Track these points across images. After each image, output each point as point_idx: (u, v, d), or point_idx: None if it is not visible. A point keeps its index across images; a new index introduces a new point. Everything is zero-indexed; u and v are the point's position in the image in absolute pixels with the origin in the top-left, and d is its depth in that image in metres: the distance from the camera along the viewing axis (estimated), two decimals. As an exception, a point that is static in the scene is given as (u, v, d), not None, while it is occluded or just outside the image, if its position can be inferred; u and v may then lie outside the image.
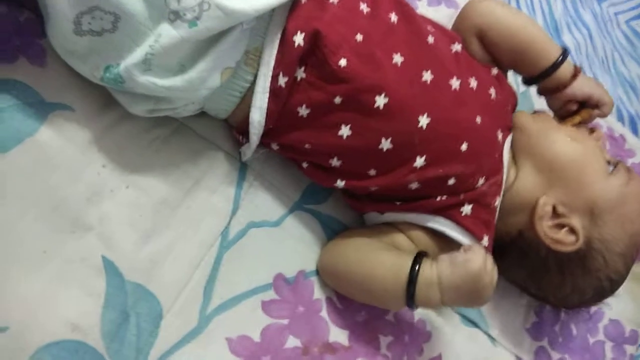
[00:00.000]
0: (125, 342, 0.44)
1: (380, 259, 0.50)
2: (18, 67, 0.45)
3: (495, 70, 0.55)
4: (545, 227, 0.53)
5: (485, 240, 0.52)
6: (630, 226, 0.54)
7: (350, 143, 0.47)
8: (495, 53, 0.56)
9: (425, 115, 0.47)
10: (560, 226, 0.54)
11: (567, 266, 0.55)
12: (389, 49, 0.47)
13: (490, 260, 0.47)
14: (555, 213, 0.54)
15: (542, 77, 0.56)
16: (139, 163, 0.48)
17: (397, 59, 0.47)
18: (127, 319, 0.45)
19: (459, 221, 0.51)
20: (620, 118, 0.86)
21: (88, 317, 0.43)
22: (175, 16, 0.40)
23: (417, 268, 0.47)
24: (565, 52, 0.56)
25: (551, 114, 0.60)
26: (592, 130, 0.58)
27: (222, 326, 0.48)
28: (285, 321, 0.51)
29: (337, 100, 0.46)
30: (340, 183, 0.50)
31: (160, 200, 0.48)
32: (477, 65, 0.54)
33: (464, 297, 0.47)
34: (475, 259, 0.46)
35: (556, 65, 0.55)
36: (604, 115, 0.59)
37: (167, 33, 0.40)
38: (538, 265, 0.56)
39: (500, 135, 0.53)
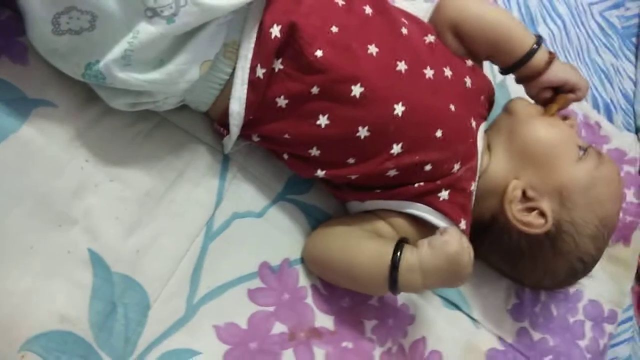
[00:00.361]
0: (113, 332, 0.45)
1: (362, 246, 0.52)
2: (0, 65, 0.45)
3: (470, 62, 0.57)
4: (514, 211, 0.55)
5: (463, 224, 0.53)
6: (600, 209, 0.56)
7: (328, 132, 0.49)
8: (470, 45, 0.57)
9: (400, 103, 0.49)
10: (530, 209, 0.56)
11: (539, 249, 0.57)
12: (364, 40, 0.48)
13: (466, 239, 0.49)
14: (525, 197, 0.56)
15: (518, 66, 0.58)
16: (122, 157, 0.49)
17: (372, 49, 0.48)
18: (115, 309, 0.46)
19: (437, 206, 0.53)
20: (596, 106, 0.89)
21: (76, 308, 0.44)
22: (152, 13, 0.41)
23: (399, 254, 0.48)
24: (539, 40, 0.57)
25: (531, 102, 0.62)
26: (565, 117, 0.60)
27: (209, 314, 0.49)
28: (272, 308, 0.52)
29: (315, 90, 0.47)
30: (320, 173, 0.51)
31: (145, 193, 0.49)
32: (452, 56, 0.56)
33: (445, 278, 0.49)
34: (452, 240, 0.47)
35: (531, 53, 0.57)
36: (578, 100, 0.61)
37: (145, 30, 0.41)
38: (511, 248, 0.57)
39: (473, 123, 0.55)
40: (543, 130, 0.57)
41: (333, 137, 0.49)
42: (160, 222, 0.49)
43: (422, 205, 0.53)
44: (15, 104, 0.45)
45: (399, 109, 0.49)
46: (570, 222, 0.56)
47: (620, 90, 0.94)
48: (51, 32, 0.41)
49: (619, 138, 0.86)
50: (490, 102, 0.61)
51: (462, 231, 0.53)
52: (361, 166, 0.51)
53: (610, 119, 0.89)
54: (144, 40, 0.41)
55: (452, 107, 0.52)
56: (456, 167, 0.53)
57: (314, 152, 0.50)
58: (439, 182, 0.52)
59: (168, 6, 0.41)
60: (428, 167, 0.51)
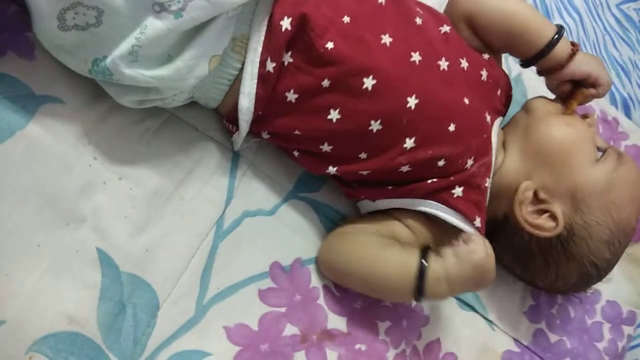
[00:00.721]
0: (122, 333, 0.44)
1: (384, 256, 0.50)
2: (7, 61, 0.45)
3: (486, 55, 0.55)
4: (524, 212, 0.54)
5: (478, 222, 0.52)
6: (616, 213, 0.54)
7: (340, 127, 0.47)
8: (486, 38, 0.55)
9: (414, 96, 0.47)
10: (542, 212, 0.54)
11: (550, 252, 0.55)
12: (377, 29, 0.47)
13: (489, 246, 0.48)
14: (536, 198, 0.54)
15: (538, 58, 0.56)
16: (130, 155, 0.48)
17: (386, 39, 0.47)
18: (124, 309, 0.45)
19: (451, 203, 0.51)
20: (613, 101, 0.86)
21: (84, 309, 0.43)
22: (160, 8, 0.40)
23: (425, 264, 0.48)
24: (560, 30, 0.55)
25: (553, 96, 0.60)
26: (585, 116, 0.58)
27: (219, 315, 0.48)
28: (283, 309, 0.51)
29: (325, 83, 0.46)
30: (332, 169, 0.50)
31: (154, 192, 0.48)
32: (468, 47, 0.54)
33: (470, 285, 0.49)
34: (477, 248, 0.47)
35: (552, 44, 0.54)
36: (599, 96, 0.59)
37: (153, 25, 0.40)
38: (522, 249, 0.56)
39: (488, 117, 0.53)
40: (559, 129, 0.55)
41: (344, 132, 0.48)
42: (170, 221, 0.48)
43: (435, 203, 0.52)
44: (22, 100, 0.44)
45: (412, 101, 0.47)
46: (583, 226, 0.54)
47: (639, 85, 0.92)
48: (57, 27, 0.40)
49: (638, 134, 0.84)
50: (508, 97, 0.59)
51: (477, 229, 0.52)
52: (373, 161, 0.49)
53: (628, 114, 0.87)
54: (152, 35, 0.40)
55: (467, 101, 0.50)
56: (469, 162, 0.51)
57: (325, 147, 0.49)
58: (452, 178, 0.51)
59: (176, 0, 0.40)
60: (441, 163, 0.50)
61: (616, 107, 0.86)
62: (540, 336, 0.64)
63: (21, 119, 0.44)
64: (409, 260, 0.49)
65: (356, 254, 0.52)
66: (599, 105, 0.83)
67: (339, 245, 0.53)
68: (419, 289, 0.48)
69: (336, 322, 0.53)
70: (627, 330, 0.70)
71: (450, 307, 0.60)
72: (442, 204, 0.51)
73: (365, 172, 0.50)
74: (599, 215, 0.54)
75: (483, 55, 0.55)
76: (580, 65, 0.56)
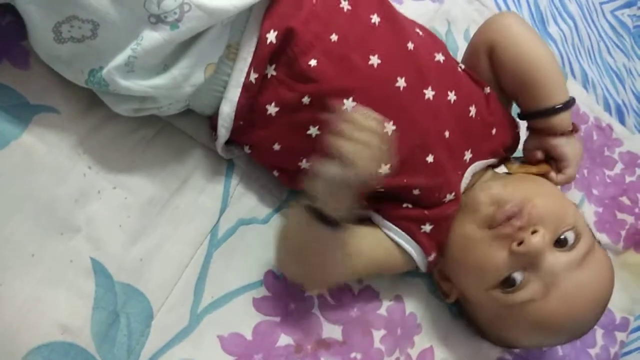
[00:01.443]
0: (116, 343, 0.44)
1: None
2: (1, 70, 0.45)
3: (487, 89, 0.54)
4: (435, 271, 0.56)
5: (432, 257, 0.53)
6: (507, 331, 0.54)
7: (318, 143, 0.46)
8: (499, 74, 0.54)
9: (391, 122, 0.47)
10: (449, 278, 0.56)
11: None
12: (366, 50, 0.46)
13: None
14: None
15: (540, 116, 0.53)
16: (125, 164, 0.48)
17: (374, 60, 0.46)
18: (118, 319, 0.45)
19: (416, 237, 0.51)
20: (607, 108, 0.87)
21: (78, 319, 0.43)
22: (156, 19, 0.40)
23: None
24: (570, 101, 0.53)
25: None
26: (534, 231, 0.49)
27: (213, 324, 0.48)
28: (277, 318, 0.51)
29: (306, 100, 0.46)
30: None
31: (148, 201, 0.48)
32: (465, 79, 0.53)
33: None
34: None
35: (556, 109, 0.52)
36: (556, 182, 0.55)
37: (149, 36, 0.40)
38: None
39: (467, 156, 0.52)
40: (458, 245, 0.52)
41: (323, 149, 0.47)
42: (164, 230, 0.49)
43: (401, 231, 0.51)
44: (16, 109, 0.44)
45: (388, 127, 0.47)
46: (474, 317, 0.56)
47: (633, 92, 0.93)
48: (53, 40, 0.40)
49: (632, 140, 0.85)
50: (514, 137, 0.57)
51: (429, 262, 0.53)
52: None
53: (622, 121, 0.87)
54: (148, 46, 0.40)
55: (447, 134, 0.50)
56: (449, 197, 0.51)
57: (304, 164, 0.49)
58: (426, 212, 0.51)
59: (172, 12, 0.40)
60: (416, 192, 0.49)
61: (610, 113, 0.87)
62: (533, 343, 0.64)
63: (16, 128, 0.44)
64: None
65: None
66: (593, 113, 0.84)
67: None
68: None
69: (331, 330, 0.53)
70: (620, 336, 0.70)
71: (443, 316, 0.60)
72: (408, 234, 0.51)
73: None
74: (490, 321, 0.55)
75: (485, 89, 0.53)
76: (567, 146, 0.54)
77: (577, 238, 0.50)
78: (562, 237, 0.49)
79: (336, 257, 0.48)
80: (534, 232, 0.48)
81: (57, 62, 0.43)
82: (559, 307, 0.49)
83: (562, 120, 0.53)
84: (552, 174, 0.54)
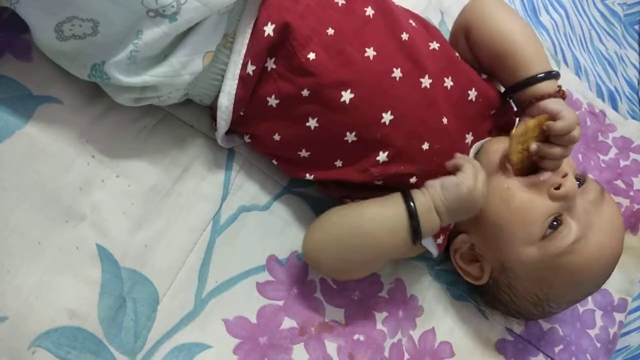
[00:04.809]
0: (123, 327, 0.45)
1: (369, 210, 0.49)
2: (4, 62, 0.45)
3: (484, 76, 0.54)
4: (457, 258, 0.56)
5: (440, 239, 0.53)
6: (548, 288, 0.54)
7: (317, 135, 0.48)
8: (477, 55, 0.54)
9: (389, 112, 0.47)
10: (475, 260, 0.56)
11: (488, 288, 0.58)
12: (361, 43, 0.47)
13: (481, 171, 0.48)
14: (472, 249, 0.55)
15: (518, 89, 0.52)
16: (128, 152, 0.49)
17: (370, 52, 0.47)
18: (124, 304, 0.46)
19: None
20: (600, 94, 0.88)
21: (85, 304, 0.44)
22: (155, 13, 0.41)
23: (412, 205, 0.47)
24: (554, 72, 0.51)
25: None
26: (564, 175, 0.51)
27: (218, 308, 0.49)
28: (281, 302, 0.52)
29: (305, 93, 0.47)
30: (309, 176, 0.51)
31: (151, 188, 0.49)
32: (460, 65, 0.53)
33: (459, 215, 0.49)
34: (465, 180, 0.47)
35: (534, 79, 0.51)
36: (557, 128, 0.50)
37: (149, 30, 0.41)
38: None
39: (469, 139, 0.53)
40: (493, 206, 0.51)
41: (322, 140, 0.49)
42: (168, 217, 0.49)
43: None
44: (20, 100, 0.45)
45: (386, 117, 0.47)
46: (508, 286, 0.55)
47: (625, 78, 0.94)
48: (55, 38, 0.41)
49: (625, 126, 0.86)
50: (508, 114, 0.56)
51: (438, 246, 0.53)
52: (347, 169, 0.50)
53: (615, 107, 0.88)
54: (149, 40, 0.41)
55: (445, 120, 0.50)
56: None
57: (303, 153, 0.50)
58: None
59: (169, 5, 0.41)
60: (413, 180, 0.50)
61: (603, 99, 0.88)
62: (533, 324, 0.65)
63: (20, 119, 0.44)
64: (395, 204, 0.48)
65: (342, 219, 0.50)
66: (586, 99, 0.85)
67: (323, 222, 0.51)
68: (415, 229, 0.47)
69: (334, 314, 0.54)
70: (619, 317, 0.71)
71: (444, 298, 0.61)
72: None
73: (339, 179, 0.51)
74: (527, 284, 0.54)
75: (482, 75, 0.54)
76: (557, 103, 0.51)
77: (583, 180, 0.53)
78: (578, 178, 0.52)
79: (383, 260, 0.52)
80: (564, 175, 0.51)
81: (61, 57, 0.44)
82: (599, 242, 0.51)
83: (547, 87, 0.51)
84: (551, 122, 0.50)
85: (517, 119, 0.56)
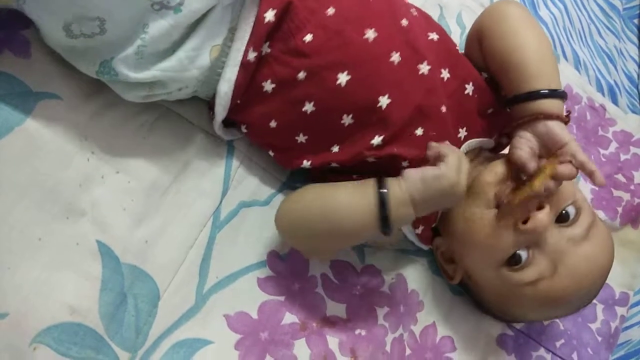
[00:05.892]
0: (124, 323, 0.45)
1: (341, 191, 0.47)
2: (3, 59, 0.45)
3: (485, 74, 0.54)
4: (438, 255, 0.58)
5: (420, 229, 0.54)
6: (511, 307, 0.55)
7: (314, 118, 0.48)
8: (487, 60, 0.53)
9: (386, 96, 0.47)
10: (452, 260, 0.57)
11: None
12: (361, 24, 0.47)
13: (464, 166, 0.45)
14: (449, 250, 0.57)
15: (517, 101, 0.49)
16: (127, 148, 0.49)
17: (370, 34, 0.47)
18: (125, 300, 0.46)
19: None
20: (600, 88, 0.88)
21: (86, 300, 0.44)
22: (160, 6, 0.41)
23: (384, 192, 0.45)
24: (561, 91, 0.49)
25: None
26: (540, 206, 0.49)
27: (219, 304, 0.49)
28: (282, 298, 0.52)
29: (301, 75, 0.46)
30: (306, 163, 0.50)
31: (151, 184, 0.49)
32: (460, 58, 0.53)
33: (438, 205, 0.48)
34: (447, 173, 0.44)
35: (537, 94, 0.48)
36: (569, 174, 0.47)
37: (154, 23, 0.41)
38: None
39: (462, 134, 0.52)
40: (460, 223, 0.52)
41: (318, 123, 0.48)
42: (168, 213, 0.49)
43: None
44: (20, 97, 0.45)
45: (383, 101, 0.47)
46: (477, 294, 0.57)
47: (625, 72, 0.94)
48: (65, 36, 0.41)
49: (625, 120, 0.86)
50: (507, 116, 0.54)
51: (418, 235, 0.54)
52: (343, 153, 0.49)
53: (615, 101, 0.88)
54: (156, 33, 0.42)
55: (443, 109, 0.49)
56: None
57: (301, 138, 0.50)
58: None
59: None
60: (405, 164, 0.49)
61: (603, 94, 0.88)
62: (535, 319, 0.65)
63: (19, 115, 0.44)
64: (367, 191, 0.46)
65: (312, 196, 0.48)
66: (586, 93, 0.85)
67: (296, 201, 0.49)
68: (384, 218, 0.45)
69: (335, 309, 0.54)
70: (620, 311, 0.71)
71: (445, 293, 0.61)
72: None
73: (335, 164, 0.50)
74: (492, 298, 0.56)
75: (483, 74, 0.54)
76: (564, 131, 0.48)
77: (578, 212, 0.50)
78: (563, 212, 0.50)
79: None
80: (539, 207, 0.48)
81: (72, 53, 0.44)
82: (567, 282, 0.49)
83: (553, 105, 0.48)
84: (561, 167, 0.47)
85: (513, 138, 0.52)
